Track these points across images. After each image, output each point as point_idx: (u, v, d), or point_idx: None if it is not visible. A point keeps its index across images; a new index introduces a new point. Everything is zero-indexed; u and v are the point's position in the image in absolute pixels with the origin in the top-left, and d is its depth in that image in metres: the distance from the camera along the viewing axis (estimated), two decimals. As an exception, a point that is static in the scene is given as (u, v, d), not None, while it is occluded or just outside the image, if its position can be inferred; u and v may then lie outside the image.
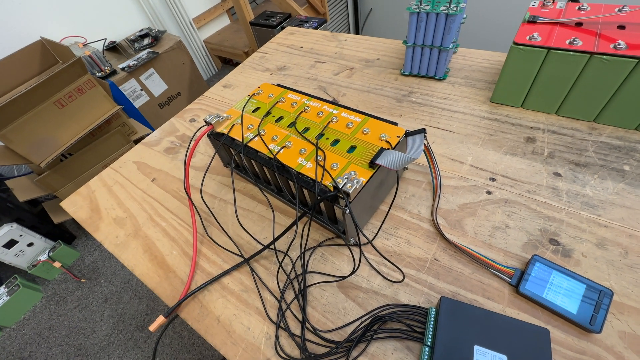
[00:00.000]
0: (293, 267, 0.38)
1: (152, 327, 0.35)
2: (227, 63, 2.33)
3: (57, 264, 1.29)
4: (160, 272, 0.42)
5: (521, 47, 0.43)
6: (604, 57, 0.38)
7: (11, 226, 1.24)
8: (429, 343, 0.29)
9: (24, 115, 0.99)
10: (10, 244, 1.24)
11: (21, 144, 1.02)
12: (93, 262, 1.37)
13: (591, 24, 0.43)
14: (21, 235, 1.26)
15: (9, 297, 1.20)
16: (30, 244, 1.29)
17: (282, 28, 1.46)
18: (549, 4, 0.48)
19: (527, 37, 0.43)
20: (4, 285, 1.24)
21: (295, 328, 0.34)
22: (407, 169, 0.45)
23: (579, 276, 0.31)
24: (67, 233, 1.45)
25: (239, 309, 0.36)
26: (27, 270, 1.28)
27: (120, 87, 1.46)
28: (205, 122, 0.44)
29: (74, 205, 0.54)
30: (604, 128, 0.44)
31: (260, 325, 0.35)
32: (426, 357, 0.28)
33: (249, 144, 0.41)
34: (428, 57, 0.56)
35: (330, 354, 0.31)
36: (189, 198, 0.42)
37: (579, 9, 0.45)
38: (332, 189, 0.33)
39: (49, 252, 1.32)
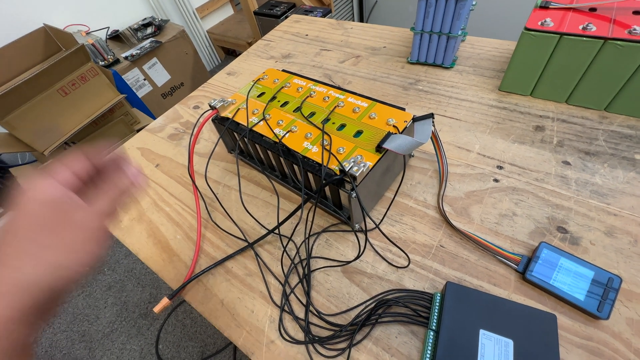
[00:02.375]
0: (297, 252, 0.38)
1: (157, 309, 0.35)
2: (230, 54, 2.32)
3: (61, 252, 1.30)
4: (165, 256, 0.42)
5: (533, 32, 0.42)
6: (619, 42, 0.37)
7: (15, 214, 1.25)
8: (434, 327, 0.29)
9: (27, 102, 0.99)
10: (15, 231, 1.25)
11: (25, 131, 1.02)
12: (96, 250, 1.38)
13: (605, 9, 0.42)
14: (25, 223, 1.27)
15: (14, 283, 1.21)
16: (34, 232, 1.30)
17: (287, 18, 1.44)
18: (562, -11, 0.46)
19: (539, 23, 0.42)
20: (9, 272, 1.25)
21: (299, 312, 0.34)
22: (413, 155, 0.45)
23: (587, 263, 0.30)
24: (70, 222, 1.45)
25: (243, 292, 0.36)
26: (32, 258, 1.30)
27: (123, 77, 1.45)
28: (210, 106, 0.43)
29: (78, 190, 0.54)
30: (615, 117, 0.43)
31: (264, 308, 0.35)
32: (431, 340, 0.28)
33: (254, 129, 0.40)
34: (436, 44, 0.55)
35: (334, 337, 0.31)
36: (193, 182, 0.42)
37: (593, -6, 0.44)
38: (338, 172, 0.32)
39: (53, 240, 1.33)
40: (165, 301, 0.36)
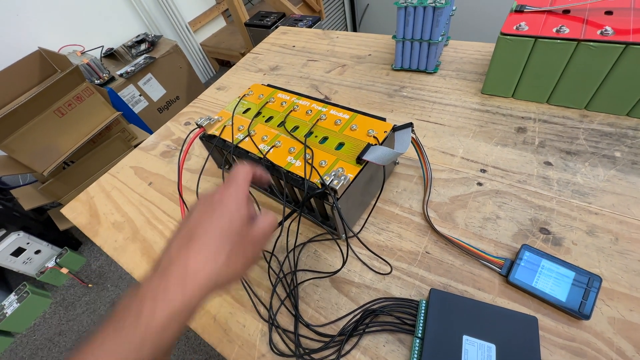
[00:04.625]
0: (281, 266, 0.38)
1: None
2: (225, 65, 2.34)
3: (64, 270, 1.31)
4: (158, 274, 0.42)
5: (508, 37, 0.43)
6: (591, 43, 0.38)
7: (18, 234, 1.26)
8: (419, 335, 0.29)
9: (25, 125, 1.00)
10: (18, 251, 1.26)
11: (23, 153, 1.04)
12: (99, 267, 1.39)
13: (579, 10, 0.43)
14: (28, 243, 1.28)
15: (19, 303, 1.22)
16: (37, 252, 1.31)
17: (277, 28, 1.46)
18: (536, -8, 0.47)
19: (514, 27, 0.43)
20: (13, 293, 1.26)
21: (290, 324, 0.34)
22: (398, 163, 0.46)
23: (568, 264, 0.31)
24: (73, 239, 1.47)
25: (235, 307, 0.37)
26: (36, 277, 1.31)
27: (119, 94, 1.47)
28: (197, 124, 0.44)
29: (74, 212, 0.55)
30: (595, 115, 0.44)
31: (256, 322, 0.35)
32: (417, 348, 0.29)
33: (240, 145, 0.41)
34: (418, 51, 0.56)
35: (323, 348, 0.31)
36: (180, 196, 0.42)
37: (567, -4, 0.45)
38: (320, 186, 0.33)
39: (56, 258, 1.34)
40: None
